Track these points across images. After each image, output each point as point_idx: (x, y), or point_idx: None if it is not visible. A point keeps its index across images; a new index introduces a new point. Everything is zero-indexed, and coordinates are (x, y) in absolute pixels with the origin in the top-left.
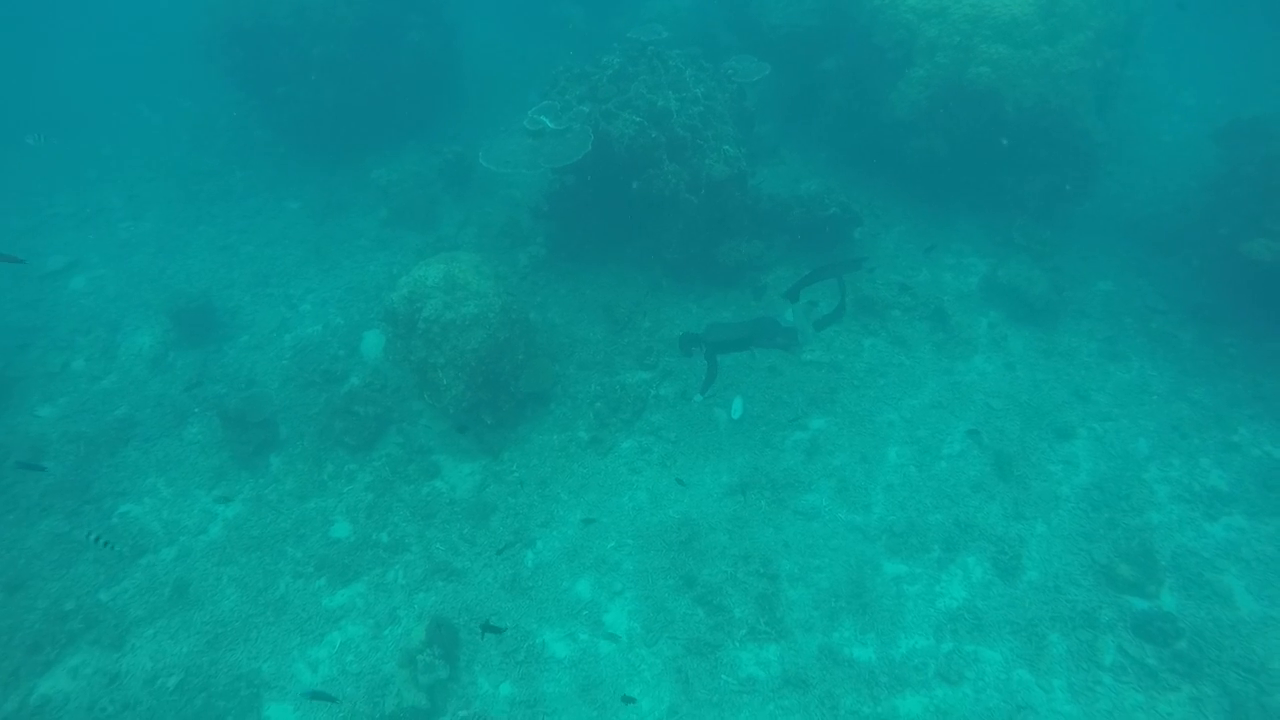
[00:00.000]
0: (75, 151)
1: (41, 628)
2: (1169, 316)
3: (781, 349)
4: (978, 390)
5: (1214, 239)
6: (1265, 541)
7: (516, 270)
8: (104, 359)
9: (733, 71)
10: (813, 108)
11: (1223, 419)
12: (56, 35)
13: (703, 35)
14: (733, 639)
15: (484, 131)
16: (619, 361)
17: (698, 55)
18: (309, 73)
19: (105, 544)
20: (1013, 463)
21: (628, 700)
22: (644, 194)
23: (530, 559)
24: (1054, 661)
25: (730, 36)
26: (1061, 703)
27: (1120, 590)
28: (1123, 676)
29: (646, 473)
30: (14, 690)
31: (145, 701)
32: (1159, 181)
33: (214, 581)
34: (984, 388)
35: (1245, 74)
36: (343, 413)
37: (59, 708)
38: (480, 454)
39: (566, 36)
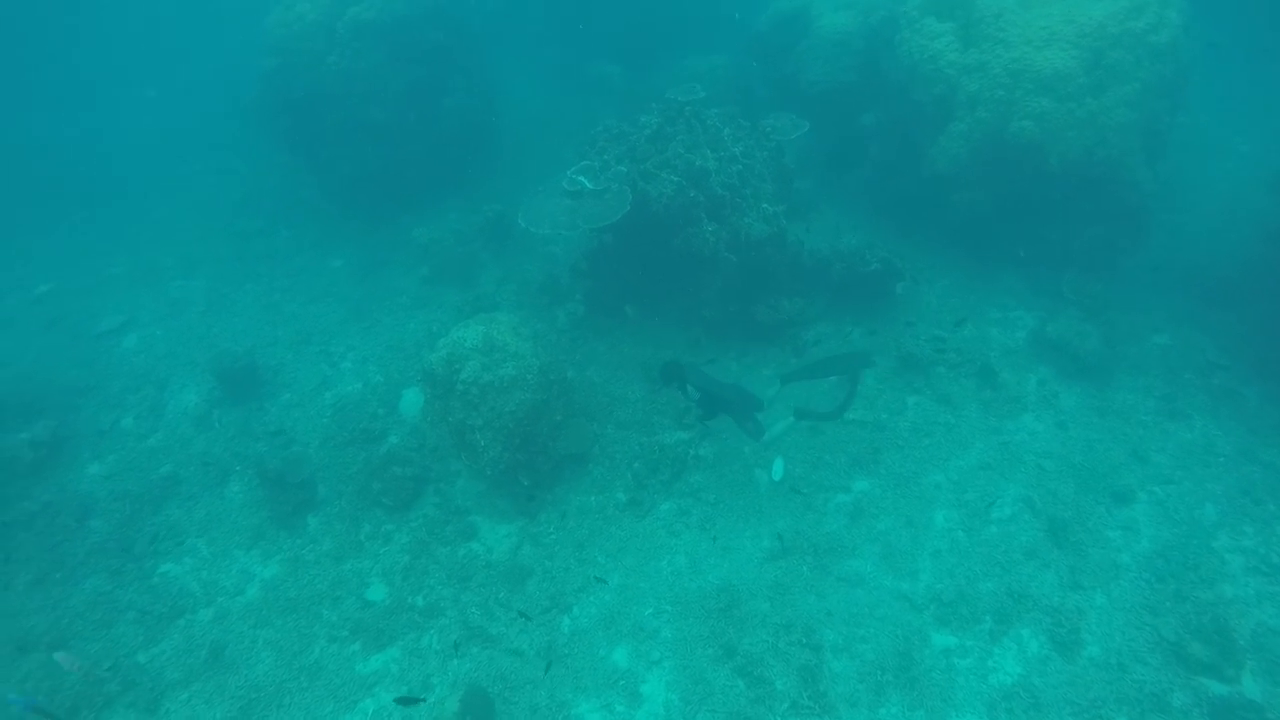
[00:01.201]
0: (132, 213)
1: (81, 689)
2: (1232, 372)
3: (741, 427)
4: (1028, 450)
5: (1277, 290)
6: None
7: (555, 328)
8: (152, 417)
9: (771, 129)
10: (852, 162)
11: None
12: (118, 102)
13: (740, 92)
14: (774, 713)
15: (523, 189)
16: (657, 421)
17: (735, 113)
18: (354, 136)
19: None
20: (1068, 528)
21: None
22: (683, 252)
23: (567, 625)
24: None
25: (767, 91)
26: None
27: (1193, 671)
28: None
29: (685, 536)
30: None
31: None
32: (1214, 231)
33: (249, 644)
34: (1035, 448)
35: None
36: (380, 473)
37: None
38: (517, 515)
39: (605, 95)
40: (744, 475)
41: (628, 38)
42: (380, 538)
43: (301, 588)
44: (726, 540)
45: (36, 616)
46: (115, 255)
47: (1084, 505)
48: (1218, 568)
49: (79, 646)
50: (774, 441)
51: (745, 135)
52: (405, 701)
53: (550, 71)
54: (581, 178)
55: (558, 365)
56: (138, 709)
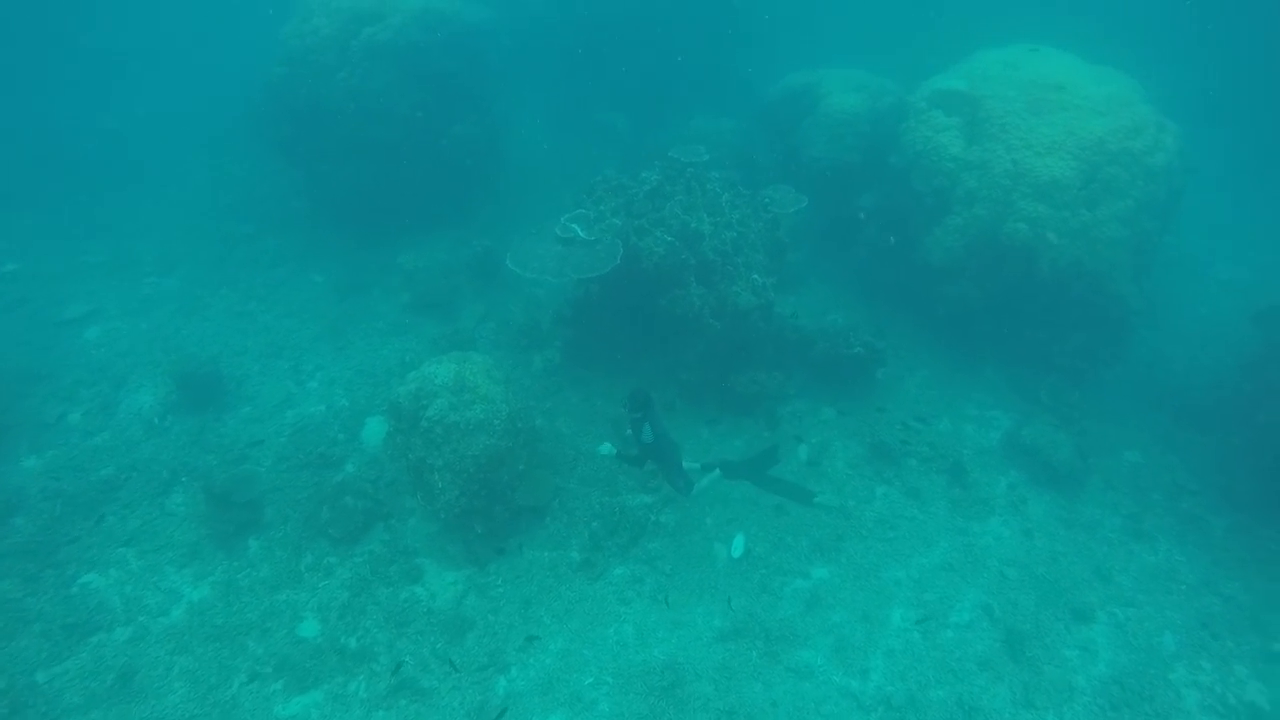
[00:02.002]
0: (118, 203)
1: None
2: (1200, 498)
3: (672, 485)
4: (992, 555)
5: (1251, 424)
6: None
7: (530, 372)
8: (102, 414)
9: (770, 201)
10: (846, 241)
11: (1261, 623)
12: (116, 89)
13: (743, 158)
14: None
15: (516, 227)
16: (622, 481)
17: (736, 180)
18: (353, 154)
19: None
20: (1025, 642)
21: None
22: (668, 313)
23: (502, 686)
24: None
25: (770, 160)
26: None
27: None
28: None
29: (636, 604)
30: None
31: None
32: (1192, 354)
33: (164, 672)
34: (999, 553)
35: None
36: (331, 501)
37: None
38: (466, 563)
39: (609, 144)
40: (703, 548)
41: (638, 89)
42: (321, 570)
43: (231, 615)
44: (677, 614)
45: None
46: (93, 243)
47: (1043, 619)
48: (1173, 702)
49: None
50: (700, 495)
51: (743, 203)
52: None
53: (558, 113)
54: (575, 225)
55: (527, 413)
56: None
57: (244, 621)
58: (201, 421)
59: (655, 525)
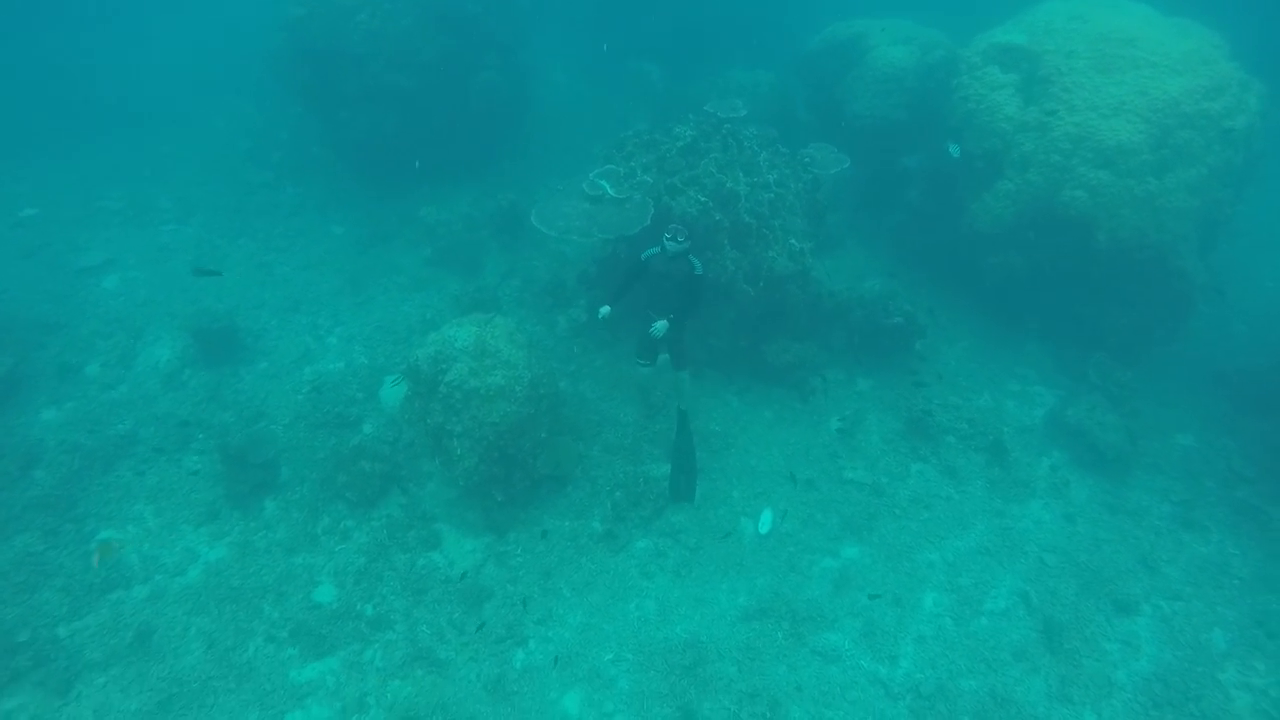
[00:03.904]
0: (137, 144)
1: None
2: (1258, 487)
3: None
4: (1031, 540)
5: None
6: None
7: (554, 333)
8: (119, 367)
9: (810, 160)
10: (887, 203)
11: None
12: (135, 29)
13: (781, 113)
14: None
15: (543, 179)
16: (647, 450)
17: (774, 138)
18: (375, 100)
19: None
20: (1063, 633)
21: None
22: None
23: (520, 659)
24: None
25: (810, 116)
26: None
27: None
28: None
29: (659, 579)
30: None
31: None
32: (1256, 331)
33: (181, 632)
34: (1039, 538)
35: None
36: (348, 465)
37: None
38: (485, 530)
39: (642, 95)
40: (729, 522)
41: (673, 38)
42: (338, 534)
43: (247, 577)
44: (701, 590)
45: None
46: (111, 188)
47: (1084, 610)
48: (1222, 704)
49: None
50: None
51: (782, 162)
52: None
53: (589, 61)
54: (604, 182)
55: (550, 377)
56: (47, 689)
57: (260, 584)
58: (219, 376)
59: None
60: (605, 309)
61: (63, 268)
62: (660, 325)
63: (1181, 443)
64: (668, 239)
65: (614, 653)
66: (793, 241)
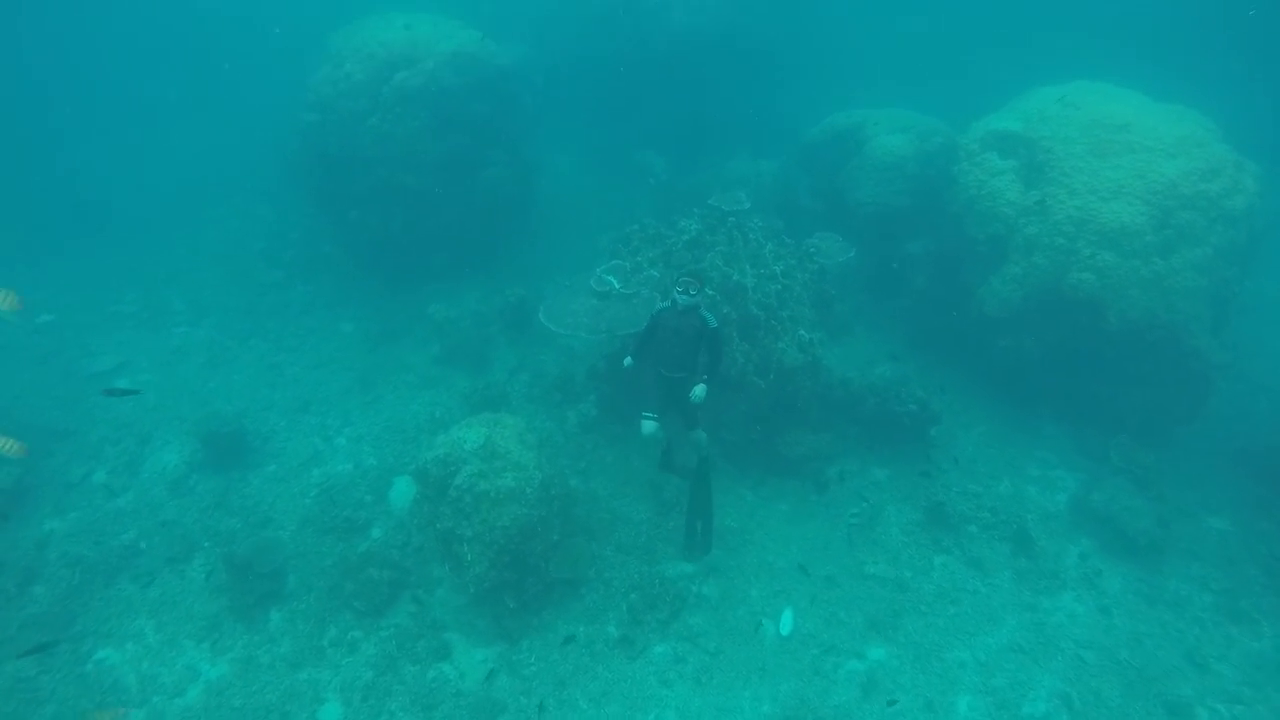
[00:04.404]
0: (152, 246)
1: None
2: None
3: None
4: (1066, 636)
5: None
6: None
7: (564, 429)
8: (126, 473)
9: (815, 250)
10: (894, 288)
11: None
12: (153, 134)
13: (784, 202)
14: None
15: (550, 274)
16: (661, 549)
17: (779, 229)
18: (384, 199)
19: None
20: None
21: None
22: None
23: None
24: None
25: (813, 204)
26: None
27: None
28: None
29: (678, 687)
30: None
31: None
32: (1278, 406)
33: None
34: (1074, 634)
35: None
36: (356, 573)
37: None
38: (497, 638)
39: (645, 186)
40: (749, 623)
41: (676, 129)
42: (345, 646)
43: (249, 696)
44: (723, 699)
45: None
46: (126, 290)
47: (1132, 715)
48: None
49: None
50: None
51: (787, 253)
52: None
53: (593, 153)
54: (611, 278)
55: (561, 477)
56: None
57: (263, 703)
58: (226, 481)
59: (697, 597)
60: (629, 360)
61: (75, 373)
62: (700, 390)
63: (1215, 526)
64: (679, 292)
65: None
66: (802, 332)
